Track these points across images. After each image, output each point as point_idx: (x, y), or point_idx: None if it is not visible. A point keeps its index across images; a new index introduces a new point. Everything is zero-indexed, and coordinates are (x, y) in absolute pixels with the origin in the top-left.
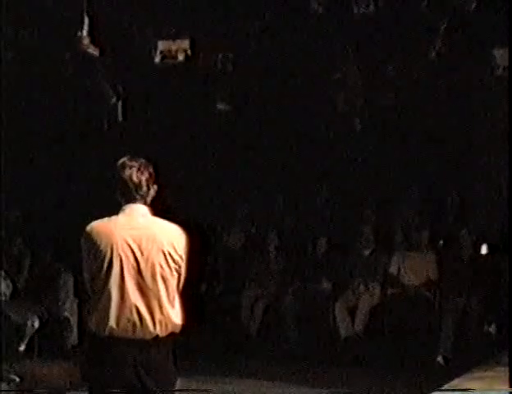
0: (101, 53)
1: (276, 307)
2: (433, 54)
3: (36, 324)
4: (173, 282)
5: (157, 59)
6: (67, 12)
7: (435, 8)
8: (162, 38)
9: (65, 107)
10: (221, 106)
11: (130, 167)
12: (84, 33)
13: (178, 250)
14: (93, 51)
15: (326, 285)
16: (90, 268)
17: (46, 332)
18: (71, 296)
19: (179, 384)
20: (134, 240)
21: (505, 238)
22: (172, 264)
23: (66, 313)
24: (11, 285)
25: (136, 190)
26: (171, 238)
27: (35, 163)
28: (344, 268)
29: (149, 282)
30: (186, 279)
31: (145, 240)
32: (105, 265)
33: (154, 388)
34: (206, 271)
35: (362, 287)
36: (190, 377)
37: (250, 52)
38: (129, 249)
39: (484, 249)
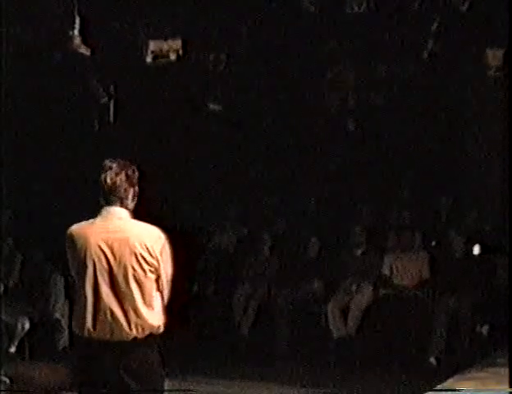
0: (92, 53)
1: (268, 308)
2: (426, 54)
3: (27, 326)
4: (150, 284)
5: (149, 59)
6: (58, 11)
7: (427, 8)
8: (154, 38)
9: (55, 107)
10: (212, 106)
11: (107, 170)
12: (76, 32)
13: (153, 253)
14: (85, 50)
15: (318, 285)
16: (72, 270)
17: (37, 334)
18: (62, 298)
19: (169, 385)
20: (107, 244)
21: (497, 238)
22: (146, 266)
23: (57, 315)
24: (2, 286)
25: (112, 193)
26: (145, 240)
27: (26, 164)
28: (336, 269)
29: (123, 285)
30: (172, 281)
31: (118, 243)
32: (80, 268)
33: (138, 390)
34: (197, 272)
35: (354, 288)
36: (181, 378)
37: (242, 52)
38: (101, 252)
39: (476, 250)
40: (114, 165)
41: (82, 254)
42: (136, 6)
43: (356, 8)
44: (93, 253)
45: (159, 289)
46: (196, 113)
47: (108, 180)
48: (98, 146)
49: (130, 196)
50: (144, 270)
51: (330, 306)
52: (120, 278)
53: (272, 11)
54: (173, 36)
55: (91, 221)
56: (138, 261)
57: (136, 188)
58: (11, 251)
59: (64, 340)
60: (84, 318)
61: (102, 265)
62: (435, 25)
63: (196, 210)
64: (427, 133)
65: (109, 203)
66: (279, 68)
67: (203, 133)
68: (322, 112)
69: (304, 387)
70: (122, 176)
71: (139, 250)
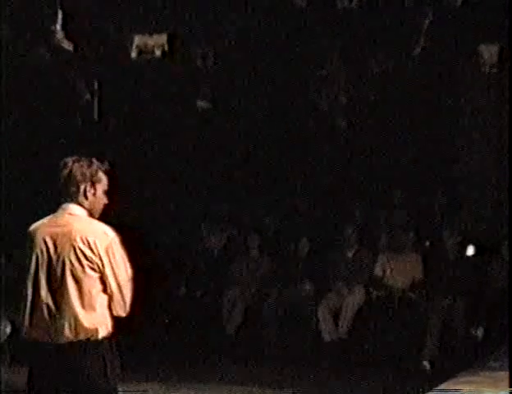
0: (75, 48)
1: (258, 309)
2: (418, 50)
3: (8, 329)
4: (89, 283)
5: (134, 54)
6: (40, 5)
7: (420, 3)
8: (139, 33)
9: (37, 105)
10: (200, 104)
11: (63, 166)
12: (58, 27)
13: (94, 248)
14: (67, 46)
15: (308, 286)
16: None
17: (18, 338)
18: None
19: (153, 389)
20: (51, 237)
21: (491, 239)
22: (85, 262)
23: None
24: None
25: (64, 189)
26: (87, 234)
27: (6, 162)
28: (327, 270)
29: (59, 280)
30: (133, 285)
31: (60, 237)
32: (27, 263)
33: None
34: (185, 273)
35: (345, 289)
36: (164, 381)
37: (231, 48)
38: (44, 245)
39: (470, 251)
40: (68, 161)
41: (30, 249)
42: (120, 0)
43: (347, 3)
44: (37, 246)
45: (106, 291)
46: (183, 111)
47: (61, 177)
48: (82, 145)
49: (82, 191)
50: (82, 265)
51: (321, 308)
52: (58, 272)
53: (262, 5)
54: (159, 31)
55: (47, 217)
56: (76, 255)
57: (92, 183)
58: None
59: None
60: (23, 315)
61: (44, 259)
62: (427, 20)
63: (183, 210)
64: (420, 131)
65: (65, 199)
66: (268, 64)
67: (190, 131)
68: (313, 109)
69: (294, 390)
70: (75, 171)
71: (79, 244)
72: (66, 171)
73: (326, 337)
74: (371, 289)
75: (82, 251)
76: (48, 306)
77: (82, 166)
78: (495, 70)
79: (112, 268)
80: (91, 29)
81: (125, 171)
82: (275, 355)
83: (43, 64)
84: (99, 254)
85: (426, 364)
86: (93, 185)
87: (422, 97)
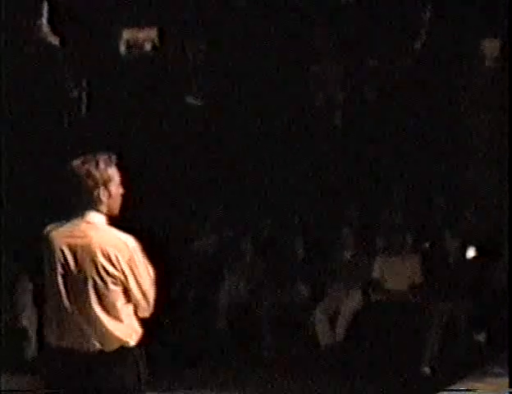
0: (62, 43)
1: (252, 312)
2: (418, 45)
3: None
4: (114, 296)
5: (123, 49)
6: None
7: None
8: (128, 27)
9: (24, 101)
10: (191, 100)
11: (71, 174)
12: (44, 21)
13: (116, 264)
14: (54, 40)
15: (304, 290)
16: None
17: (3, 343)
18: (30, 304)
19: None
20: (70, 249)
21: (494, 240)
22: (107, 278)
23: (25, 323)
24: None
25: (78, 197)
26: (108, 249)
27: None
28: (323, 272)
29: (82, 294)
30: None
31: (80, 250)
32: (47, 272)
33: None
34: (178, 276)
35: (342, 293)
36: (153, 387)
37: (223, 43)
38: (63, 257)
39: (471, 253)
40: (75, 167)
41: (48, 257)
42: None
43: None
44: (54, 256)
45: (130, 301)
46: (174, 108)
47: (71, 185)
48: (69, 141)
49: (97, 198)
50: (104, 282)
51: (317, 312)
52: (80, 287)
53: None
54: (149, 24)
55: (63, 222)
56: (98, 272)
57: (105, 186)
58: None
59: (32, 349)
60: (50, 325)
61: (64, 270)
62: (427, 13)
63: (175, 210)
64: (420, 129)
65: (81, 205)
66: (263, 60)
67: (181, 129)
68: (309, 107)
69: None
70: (84, 178)
71: (101, 260)
72: (75, 180)
73: (323, 342)
74: (369, 292)
75: (104, 268)
76: (73, 318)
77: (90, 170)
78: (496, 64)
79: (136, 279)
80: (78, 22)
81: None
82: (269, 359)
83: (29, 59)
84: (122, 269)
85: (426, 369)
86: (106, 186)
87: (421, 94)
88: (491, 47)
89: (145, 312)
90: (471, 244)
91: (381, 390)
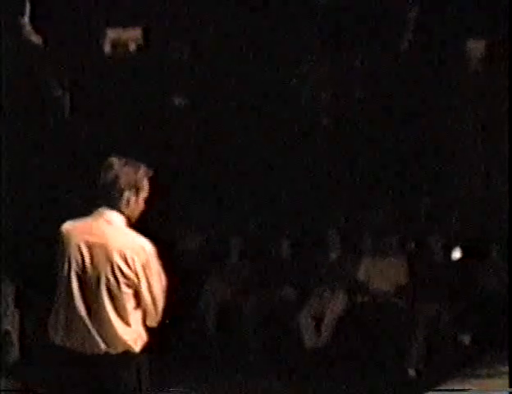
0: (44, 42)
1: (238, 313)
2: (404, 45)
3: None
4: (125, 299)
5: (107, 49)
6: None
7: None
8: (112, 27)
9: (5, 102)
10: (177, 100)
11: (108, 168)
12: (26, 19)
13: (132, 265)
14: (36, 39)
15: (290, 291)
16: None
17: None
18: (12, 307)
19: None
20: (87, 246)
21: (479, 242)
22: (122, 279)
23: (7, 327)
24: None
25: (106, 194)
26: (124, 250)
27: None
28: (309, 274)
29: (94, 294)
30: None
31: (97, 248)
32: (59, 268)
33: None
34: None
35: (328, 294)
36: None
37: (209, 42)
38: (79, 254)
39: (457, 254)
40: (115, 163)
41: (63, 254)
42: None
43: None
44: (71, 253)
45: (140, 306)
46: (159, 108)
47: (104, 179)
48: (52, 141)
49: (125, 199)
50: (118, 282)
51: (302, 313)
52: (93, 285)
53: (241, 0)
54: (133, 24)
55: (83, 219)
56: (113, 272)
57: (136, 191)
58: None
59: (14, 353)
60: (56, 324)
61: (79, 267)
62: (414, 14)
63: (161, 211)
64: (406, 130)
65: (103, 203)
66: (248, 59)
67: (166, 129)
68: (295, 107)
69: None
70: (121, 177)
71: (117, 260)
72: (110, 175)
73: (308, 343)
74: (354, 294)
75: (120, 268)
76: (82, 318)
77: (129, 171)
78: (482, 65)
79: (148, 282)
80: (61, 21)
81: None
82: (254, 361)
83: (11, 58)
84: (136, 271)
85: (411, 371)
86: (137, 193)
87: (408, 94)
88: (476, 47)
89: (153, 321)
90: (456, 245)
91: (365, 392)
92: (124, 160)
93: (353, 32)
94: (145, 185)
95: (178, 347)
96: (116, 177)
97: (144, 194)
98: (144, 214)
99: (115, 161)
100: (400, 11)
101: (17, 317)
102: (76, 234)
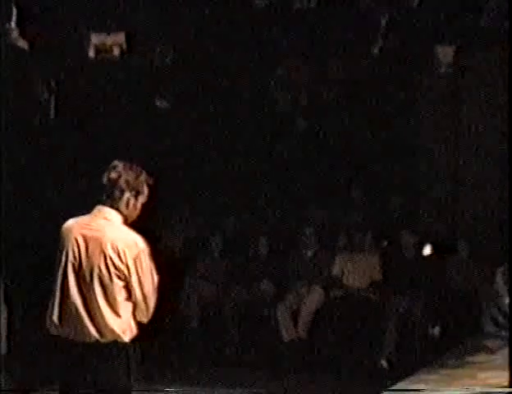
0: (31, 47)
1: (217, 309)
2: (376, 50)
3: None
4: (116, 290)
5: (91, 53)
6: None
7: (377, 3)
8: (96, 31)
9: None
10: (160, 103)
11: (109, 169)
12: (13, 24)
13: (123, 257)
14: (23, 44)
15: (267, 287)
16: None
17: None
18: (1, 303)
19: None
20: (84, 239)
21: (449, 238)
22: (112, 270)
23: None
24: None
25: (107, 192)
26: (117, 243)
27: None
28: (286, 270)
29: (87, 284)
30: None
31: (93, 241)
32: (58, 260)
33: None
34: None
35: (305, 289)
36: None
37: (190, 47)
38: (76, 245)
39: (427, 250)
40: (119, 165)
41: (63, 246)
42: None
43: (306, 3)
44: (69, 245)
45: (131, 299)
46: (142, 111)
47: (107, 178)
48: (38, 144)
49: (125, 200)
50: (110, 273)
51: (280, 308)
52: (86, 276)
53: (221, 4)
54: (116, 29)
55: (82, 217)
56: (106, 263)
57: (136, 194)
58: None
59: (2, 347)
60: (51, 311)
61: (75, 258)
62: (384, 20)
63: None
64: (379, 131)
65: (104, 201)
66: (228, 64)
67: (149, 131)
68: (272, 110)
69: (254, 390)
70: (123, 178)
71: (109, 252)
72: (114, 175)
73: (286, 337)
74: (330, 289)
75: (112, 259)
76: (76, 306)
77: (131, 175)
78: (450, 70)
79: (139, 277)
80: (47, 26)
81: (82, 173)
82: (234, 355)
83: None
84: (127, 264)
85: (384, 362)
86: (136, 196)
87: (380, 97)
88: (444, 52)
89: (143, 316)
90: (428, 242)
91: (340, 383)
92: (128, 164)
93: (328, 38)
94: (144, 190)
95: (159, 343)
96: (119, 178)
97: (142, 198)
98: (140, 220)
99: (119, 164)
100: (371, 18)
101: (5, 313)
102: (75, 228)
